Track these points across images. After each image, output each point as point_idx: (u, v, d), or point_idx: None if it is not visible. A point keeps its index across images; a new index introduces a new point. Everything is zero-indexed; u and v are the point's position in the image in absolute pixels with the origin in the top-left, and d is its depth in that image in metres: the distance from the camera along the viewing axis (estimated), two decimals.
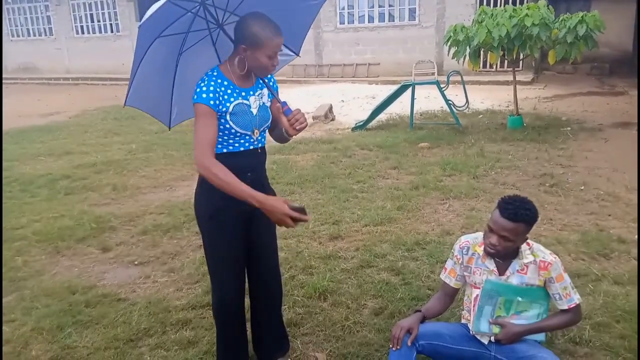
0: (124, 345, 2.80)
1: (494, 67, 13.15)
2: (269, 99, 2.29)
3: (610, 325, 2.73)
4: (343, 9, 15.02)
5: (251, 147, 2.23)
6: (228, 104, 2.12)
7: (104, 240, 4.26)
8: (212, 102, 2.08)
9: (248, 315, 2.70)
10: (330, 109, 9.28)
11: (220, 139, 2.17)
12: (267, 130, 2.31)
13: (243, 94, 2.18)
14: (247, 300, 2.67)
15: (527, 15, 6.96)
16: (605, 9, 10.86)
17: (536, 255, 2.14)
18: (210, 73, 2.15)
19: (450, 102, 8.02)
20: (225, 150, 2.18)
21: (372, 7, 14.72)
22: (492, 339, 2.18)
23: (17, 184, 5.89)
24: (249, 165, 2.23)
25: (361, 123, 8.29)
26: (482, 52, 7.86)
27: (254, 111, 2.20)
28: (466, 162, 5.97)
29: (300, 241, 4.05)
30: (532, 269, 2.13)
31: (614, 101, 10.01)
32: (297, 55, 2.64)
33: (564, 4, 13.04)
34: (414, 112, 8.37)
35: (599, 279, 3.24)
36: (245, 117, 2.16)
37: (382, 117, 8.79)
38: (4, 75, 10.93)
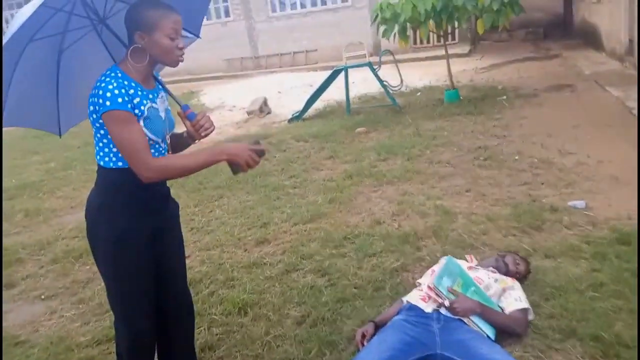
0: None
1: (431, 42, 13.11)
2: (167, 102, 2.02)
3: (540, 305, 2.58)
4: None
5: (158, 156, 1.93)
6: (142, 107, 1.82)
7: (9, 275, 3.85)
8: (129, 106, 1.78)
9: None
10: (265, 102, 8.97)
11: None
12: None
13: (150, 96, 1.89)
14: None
15: None
16: None
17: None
18: (112, 74, 1.80)
19: (385, 82, 7.84)
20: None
21: None
22: (446, 303, 2.28)
23: None
24: None
25: (297, 114, 8.02)
26: (411, 29, 7.70)
27: (162, 115, 1.93)
28: (401, 144, 5.80)
29: (224, 250, 3.77)
30: (499, 276, 2.60)
31: (549, 65, 10.09)
32: (198, 36, 2.34)
33: None
34: (351, 96, 8.17)
35: (530, 254, 3.10)
36: (158, 122, 1.89)
37: (319, 105, 8.55)
38: None
